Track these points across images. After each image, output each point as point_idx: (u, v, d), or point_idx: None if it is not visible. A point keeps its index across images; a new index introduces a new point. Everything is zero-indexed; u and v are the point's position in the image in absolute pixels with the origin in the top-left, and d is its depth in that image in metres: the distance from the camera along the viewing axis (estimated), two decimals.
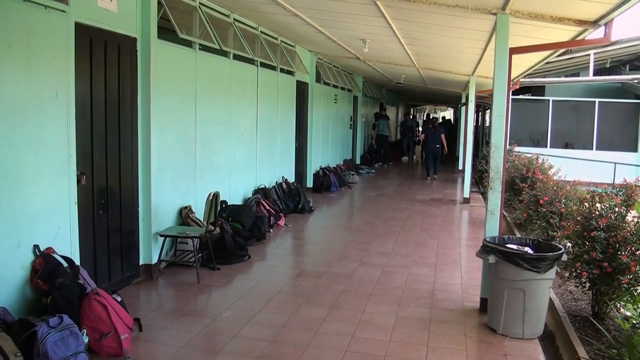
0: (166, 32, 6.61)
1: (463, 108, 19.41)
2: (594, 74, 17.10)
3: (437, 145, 17.41)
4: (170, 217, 6.79)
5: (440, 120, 35.32)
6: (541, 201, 7.69)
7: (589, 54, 15.01)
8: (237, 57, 8.42)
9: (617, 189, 6.34)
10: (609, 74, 19.82)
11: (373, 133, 21.32)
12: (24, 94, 4.43)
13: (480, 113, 26.29)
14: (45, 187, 4.68)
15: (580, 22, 5.46)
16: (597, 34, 5.70)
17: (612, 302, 5.08)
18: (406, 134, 23.82)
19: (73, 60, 4.92)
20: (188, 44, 7.02)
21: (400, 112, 33.59)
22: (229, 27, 8.20)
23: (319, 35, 9.45)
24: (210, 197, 6.51)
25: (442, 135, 17.55)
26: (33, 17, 4.48)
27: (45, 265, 4.51)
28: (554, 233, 7.23)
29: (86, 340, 4.16)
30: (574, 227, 5.50)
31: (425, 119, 34.51)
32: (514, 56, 5.83)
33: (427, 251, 7.98)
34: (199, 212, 7.15)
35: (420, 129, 27.07)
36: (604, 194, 5.81)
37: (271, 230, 8.86)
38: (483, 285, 5.58)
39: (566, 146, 19.15)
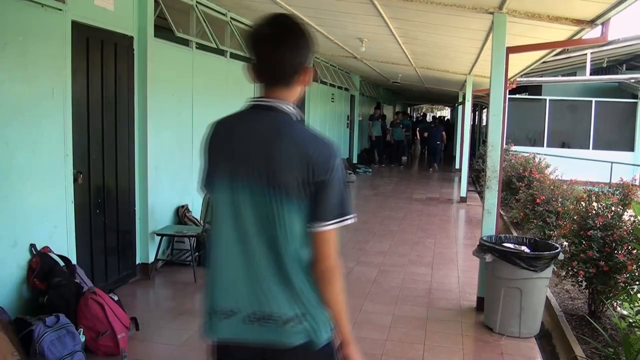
0: (163, 30, 6.59)
1: (460, 107, 19.44)
2: (591, 74, 17.15)
3: (438, 142, 20.49)
4: (167, 216, 6.78)
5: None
6: (538, 200, 7.69)
7: (586, 54, 15.05)
8: (234, 56, 8.41)
9: (614, 188, 6.37)
10: (605, 74, 19.86)
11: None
12: (21, 92, 4.42)
13: (477, 112, 26.33)
14: (41, 186, 4.67)
15: (577, 22, 5.46)
16: (594, 33, 5.71)
17: (609, 301, 5.09)
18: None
19: (70, 59, 4.91)
20: (185, 42, 7.01)
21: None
22: (225, 26, 8.19)
23: (316, 34, 9.43)
24: (207, 196, 6.50)
25: (443, 133, 20.98)
26: (30, 15, 4.47)
27: (41, 264, 4.49)
28: (551, 232, 7.24)
29: (83, 339, 4.16)
30: (570, 226, 5.50)
31: (420, 117, 34.51)
32: (510, 55, 5.83)
33: (424, 250, 7.99)
34: (196, 211, 7.14)
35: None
36: (600, 193, 5.83)
37: None
38: (480, 284, 5.58)
39: (563, 145, 19.17)
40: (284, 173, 1.85)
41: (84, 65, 5.22)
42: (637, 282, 4.80)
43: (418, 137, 26.23)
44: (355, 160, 19.67)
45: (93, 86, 5.37)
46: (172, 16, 6.55)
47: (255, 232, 1.91)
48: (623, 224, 5.07)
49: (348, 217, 1.93)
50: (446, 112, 50.20)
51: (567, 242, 5.58)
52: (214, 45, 7.58)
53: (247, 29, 1.84)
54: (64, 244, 4.94)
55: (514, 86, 13.05)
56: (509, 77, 7.17)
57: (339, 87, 16.40)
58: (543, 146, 18.87)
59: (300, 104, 12.67)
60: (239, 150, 1.93)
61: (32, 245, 4.57)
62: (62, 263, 4.67)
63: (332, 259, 1.93)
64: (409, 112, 41.35)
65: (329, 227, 1.90)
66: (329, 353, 1.99)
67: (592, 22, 5.42)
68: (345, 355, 2.02)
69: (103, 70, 5.50)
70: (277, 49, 1.89)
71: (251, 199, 1.90)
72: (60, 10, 4.78)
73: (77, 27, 4.99)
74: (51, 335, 3.85)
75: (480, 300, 5.49)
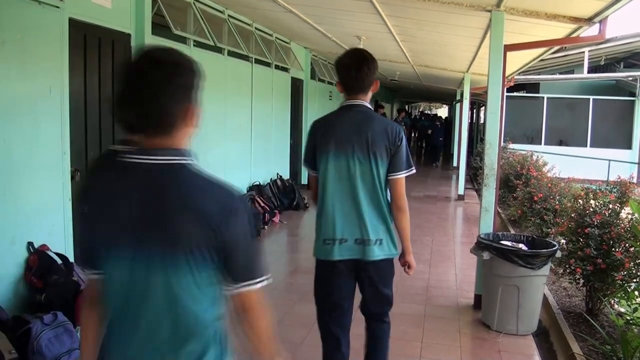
0: (160, 28, 6.58)
1: (458, 105, 19.45)
2: (589, 72, 17.15)
3: (441, 139, 22.59)
4: None
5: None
6: (535, 198, 7.71)
7: (584, 52, 15.04)
8: (231, 54, 8.40)
9: (612, 186, 6.37)
10: (603, 72, 19.87)
11: None
12: (18, 90, 4.41)
13: (475, 110, 26.35)
14: (39, 184, 4.66)
15: (575, 20, 5.46)
16: (591, 31, 5.71)
17: (606, 298, 5.10)
18: None
19: (67, 57, 4.89)
20: (182, 40, 7.00)
21: (394, 109, 33.53)
22: (223, 24, 8.18)
23: (314, 32, 9.44)
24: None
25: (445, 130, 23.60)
26: (27, 13, 4.46)
27: (39, 262, 4.49)
28: (548, 230, 7.25)
29: None
30: (568, 223, 5.51)
31: (419, 115, 34.61)
32: (508, 53, 5.83)
33: (422, 248, 7.98)
34: None
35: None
36: (598, 190, 5.84)
37: (266, 227, 8.85)
38: (477, 281, 5.59)
39: (560, 143, 19.19)
40: (377, 144, 3.10)
41: (82, 63, 5.21)
42: (635, 280, 4.81)
43: (416, 135, 26.51)
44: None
45: (90, 84, 5.36)
46: (169, 13, 6.54)
47: (362, 184, 3.14)
48: (620, 222, 5.08)
49: (412, 168, 3.21)
50: (443, 110, 50.13)
51: (564, 239, 5.60)
52: (211, 43, 7.56)
53: (334, 59, 2.86)
54: (61, 241, 4.93)
55: (512, 84, 13.06)
56: (506, 75, 7.17)
57: None
58: (541, 144, 18.88)
59: (297, 102, 12.72)
60: (344, 134, 3.16)
61: (30, 243, 4.57)
62: (59, 261, 4.66)
63: (404, 197, 3.20)
64: (406, 110, 41.36)
65: (402, 175, 3.18)
66: (391, 262, 3.36)
67: (589, 20, 5.42)
68: (406, 260, 3.43)
69: (100, 68, 5.49)
70: (360, 71, 3.15)
71: (357, 163, 3.13)
72: (58, 7, 4.76)
73: (74, 24, 4.98)
74: (49, 333, 3.85)
75: (478, 298, 5.50)
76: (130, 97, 1.56)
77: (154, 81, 1.56)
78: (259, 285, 1.67)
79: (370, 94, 3.25)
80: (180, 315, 1.59)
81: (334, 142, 3.16)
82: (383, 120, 3.30)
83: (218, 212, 1.55)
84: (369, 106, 3.24)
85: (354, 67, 3.17)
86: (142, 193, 1.56)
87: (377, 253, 3.22)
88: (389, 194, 3.20)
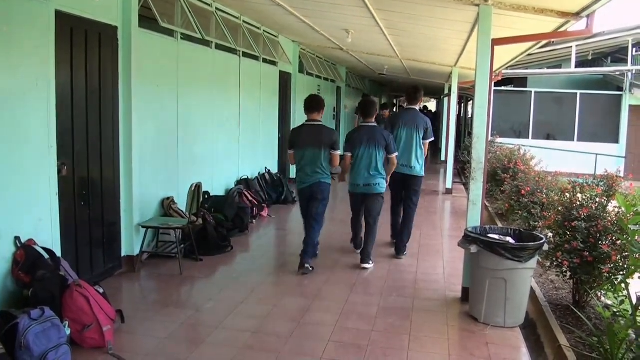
0: (147, 21, 6.53)
1: (446, 99, 19.48)
2: (576, 66, 17.26)
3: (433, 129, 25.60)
4: (152, 208, 6.74)
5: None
6: (523, 192, 7.74)
7: (571, 46, 15.14)
8: (219, 47, 8.36)
9: (599, 180, 6.40)
10: (590, 66, 20.00)
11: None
12: (4, 83, 4.36)
13: (462, 104, 26.41)
14: (25, 178, 4.62)
15: (563, 14, 5.48)
16: (579, 25, 5.72)
17: (593, 291, 5.14)
18: None
19: (53, 49, 4.85)
20: (170, 33, 6.96)
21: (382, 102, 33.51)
22: (211, 17, 8.14)
23: (302, 26, 9.41)
24: (193, 188, 6.47)
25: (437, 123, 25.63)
26: (13, 5, 4.41)
27: (26, 257, 4.46)
28: (536, 223, 7.28)
29: (68, 332, 4.13)
30: (555, 217, 5.54)
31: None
32: (496, 47, 5.84)
33: (410, 241, 7.99)
34: (181, 203, 7.11)
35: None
36: (585, 184, 5.87)
37: (254, 221, 8.84)
38: (465, 274, 5.61)
39: (548, 137, 19.30)
40: (420, 126, 7.24)
41: (68, 56, 5.16)
42: (621, 272, 4.84)
43: None
44: (340, 152, 19.60)
45: (77, 76, 5.32)
46: (156, 6, 6.50)
47: (414, 142, 7.20)
48: (607, 215, 5.11)
49: (433, 138, 7.56)
50: (431, 104, 50.19)
51: (551, 233, 5.62)
52: (199, 36, 7.52)
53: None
54: (48, 236, 4.90)
55: (500, 78, 13.08)
56: (494, 69, 7.19)
57: (325, 79, 16.36)
58: (528, 138, 18.99)
59: (285, 96, 12.65)
60: (406, 120, 7.26)
61: (17, 238, 4.54)
62: (46, 256, 4.64)
63: (427, 150, 7.53)
64: (396, 104, 41.42)
65: (428, 141, 7.40)
66: (421, 179, 7.40)
67: (577, 15, 5.44)
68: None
69: (87, 61, 5.44)
70: (414, 93, 7.43)
71: (411, 133, 7.20)
72: None
73: (61, 16, 4.94)
74: (36, 328, 3.82)
75: (466, 291, 5.52)
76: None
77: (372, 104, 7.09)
78: (395, 155, 6.70)
79: (420, 103, 7.36)
80: (377, 161, 6.59)
81: (402, 123, 7.13)
82: (422, 115, 7.30)
83: (387, 136, 6.64)
84: (417, 109, 7.40)
85: (412, 90, 7.31)
86: (369, 133, 6.63)
87: (418, 171, 7.16)
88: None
